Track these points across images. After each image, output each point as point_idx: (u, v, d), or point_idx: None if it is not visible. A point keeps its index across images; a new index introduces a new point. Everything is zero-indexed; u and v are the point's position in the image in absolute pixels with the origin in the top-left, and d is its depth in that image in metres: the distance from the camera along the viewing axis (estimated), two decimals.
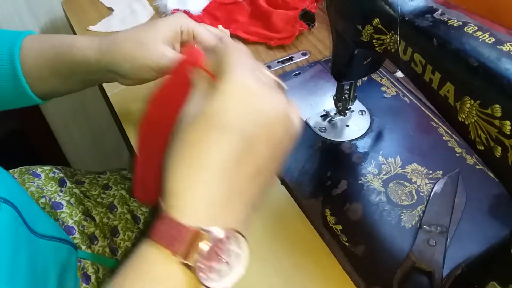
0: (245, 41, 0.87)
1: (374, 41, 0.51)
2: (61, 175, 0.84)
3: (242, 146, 0.34)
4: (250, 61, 0.37)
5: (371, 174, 0.65)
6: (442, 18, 0.45)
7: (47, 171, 0.84)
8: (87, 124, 1.29)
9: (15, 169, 0.85)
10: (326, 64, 0.82)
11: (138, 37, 0.56)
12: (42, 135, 1.24)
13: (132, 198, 0.87)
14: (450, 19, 0.44)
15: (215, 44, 0.39)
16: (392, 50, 0.50)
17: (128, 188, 0.89)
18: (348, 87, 0.68)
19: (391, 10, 0.48)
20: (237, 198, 0.35)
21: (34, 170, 0.84)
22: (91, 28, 0.89)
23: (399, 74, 0.79)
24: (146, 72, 0.57)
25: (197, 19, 0.89)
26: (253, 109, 0.34)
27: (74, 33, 0.91)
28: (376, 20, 0.50)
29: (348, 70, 0.61)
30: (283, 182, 0.66)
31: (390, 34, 0.49)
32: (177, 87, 0.40)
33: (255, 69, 0.37)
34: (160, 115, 0.41)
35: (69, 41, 0.61)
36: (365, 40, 0.52)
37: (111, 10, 0.94)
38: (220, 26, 0.86)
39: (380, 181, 0.64)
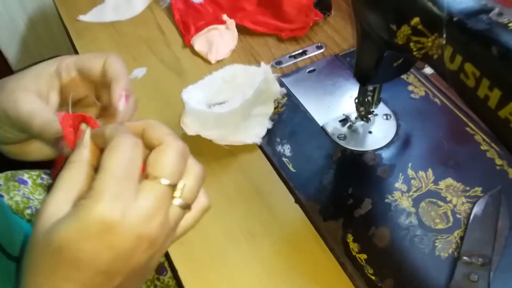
0: (253, 33, 0.77)
1: (411, 44, 0.42)
2: (50, 181, 0.77)
3: (95, 279, 0.33)
4: (130, 178, 0.32)
5: (399, 191, 0.57)
6: (500, 20, 0.36)
7: (34, 177, 0.77)
8: None
9: (1, 174, 0.78)
10: (344, 59, 0.72)
11: (1, 83, 0.43)
12: None
13: None
14: (511, 22, 0.35)
15: (105, 133, 0.34)
16: (435, 57, 0.41)
17: None
18: (372, 89, 0.59)
19: (435, 8, 0.38)
20: None
21: (20, 176, 0.76)
22: (81, 18, 0.80)
23: (428, 70, 0.70)
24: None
25: (199, 7, 0.79)
26: (111, 246, 0.31)
27: (63, 23, 0.82)
28: (416, 19, 0.40)
29: (375, 73, 0.52)
30: (297, 200, 0.57)
31: (434, 37, 0.40)
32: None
33: (128, 191, 0.32)
34: None
35: None
36: (400, 43, 0.43)
37: None
38: (225, 16, 0.77)
39: (409, 199, 0.56)
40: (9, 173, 0.77)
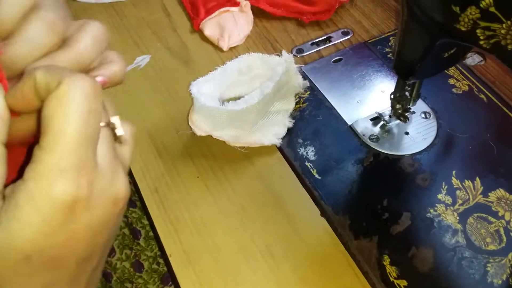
0: (270, 16, 0.69)
1: (478, 31, 0.34)
2: None
3: (77, 268, 0.27)
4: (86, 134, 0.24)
5: (443, 203, 0.48)
6: None
7: None
8: None
9: None
10: (374, 47, 0.64)
11: None
12: None
13: (131, 208, 0.72)
14: None
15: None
16: (509, 47, 0.32)
17: None
18: (411, 83, 0.51)
19: None
20: None
21: None
22: None
23: (471, 60, 0.61)
24: None
25: None
26: (87, 225, 0.25)
27: None
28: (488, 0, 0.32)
29: (420, 65, 0.44)
30: (323, 213, 0.49)
31: (510, 22, 0.31)
32: None
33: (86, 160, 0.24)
34: None
35: None
36: (464, 29, 0.35)
37: None
38: None
39: (455, 214, 0.48)
40: None
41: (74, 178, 0.23)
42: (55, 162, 0.23)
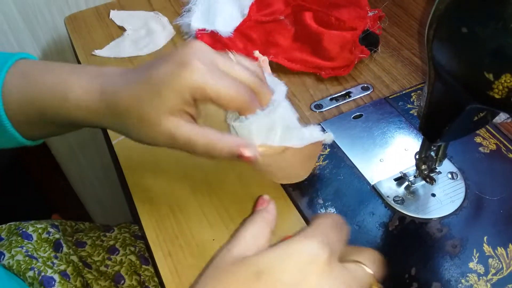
0: (288, 71, 0.68)
1: None
2: (57, 236, 0.68)
3: None
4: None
5: (475, 273, 0.45)
6: None
7: (40, 231, 0.68)
8: (98, 154, 1.12)
9: (3, 226, 0.70)
10: (395, 103, 0.62)
11: (141, 110, 0.42)
12: (46, 169, 1.08)
13: (143, 266, 0.70)
14: None
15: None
16: None
17: (139, 251, 0.71)
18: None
19: None
20: None
21: (24, 230, 0.68)
22: (97, 52, 0.72)
23: (497, 118, 0.59)
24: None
25: (228, 42, 0.70)
26: (317, 283, 0.31)
27: (76, 57, 0.74)
28: None
29: (449, 129, 0.42)
30: None
31: None
32: None
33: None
34: None
35: (62, 93, 0.46)
36: (497, 97, 0.33)
37: (122, 30, 0.76)
38: (257, 52, 0.67)
39: (488, 285, 0.45)
40: (12, 224, 0.69)
41: (321, 243, 0.32)
42: (312, 231, 0.34)
